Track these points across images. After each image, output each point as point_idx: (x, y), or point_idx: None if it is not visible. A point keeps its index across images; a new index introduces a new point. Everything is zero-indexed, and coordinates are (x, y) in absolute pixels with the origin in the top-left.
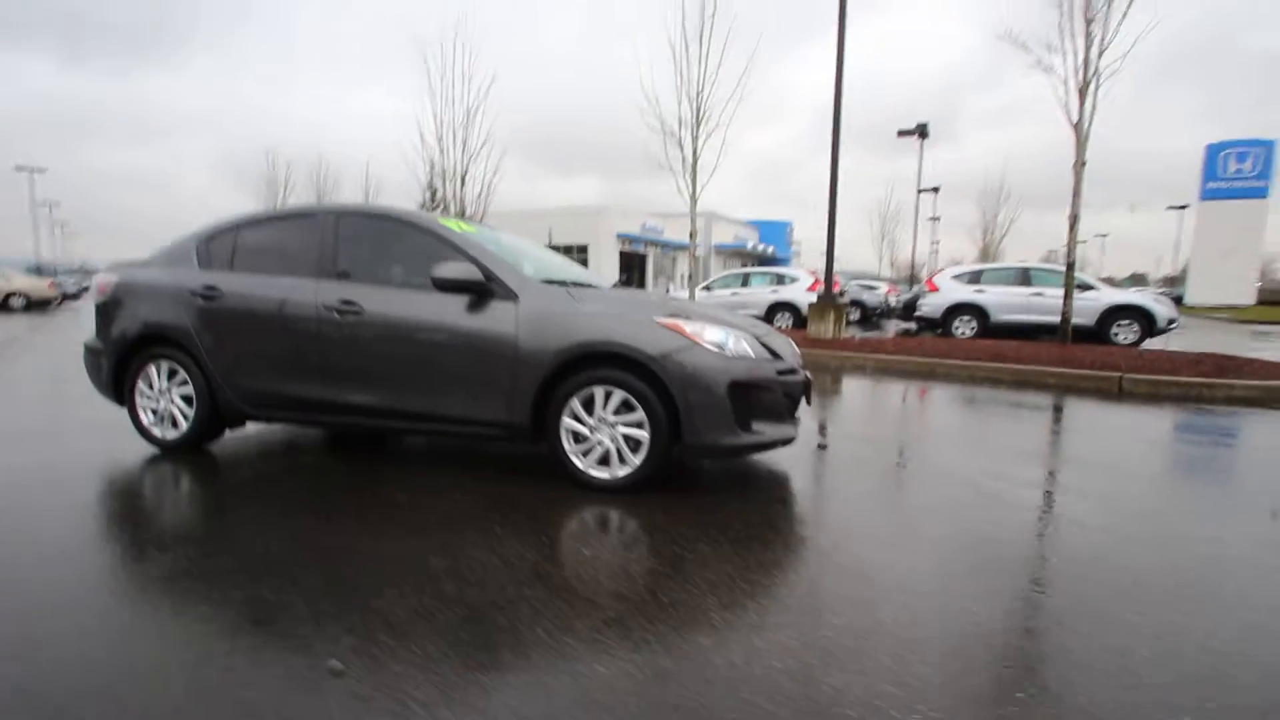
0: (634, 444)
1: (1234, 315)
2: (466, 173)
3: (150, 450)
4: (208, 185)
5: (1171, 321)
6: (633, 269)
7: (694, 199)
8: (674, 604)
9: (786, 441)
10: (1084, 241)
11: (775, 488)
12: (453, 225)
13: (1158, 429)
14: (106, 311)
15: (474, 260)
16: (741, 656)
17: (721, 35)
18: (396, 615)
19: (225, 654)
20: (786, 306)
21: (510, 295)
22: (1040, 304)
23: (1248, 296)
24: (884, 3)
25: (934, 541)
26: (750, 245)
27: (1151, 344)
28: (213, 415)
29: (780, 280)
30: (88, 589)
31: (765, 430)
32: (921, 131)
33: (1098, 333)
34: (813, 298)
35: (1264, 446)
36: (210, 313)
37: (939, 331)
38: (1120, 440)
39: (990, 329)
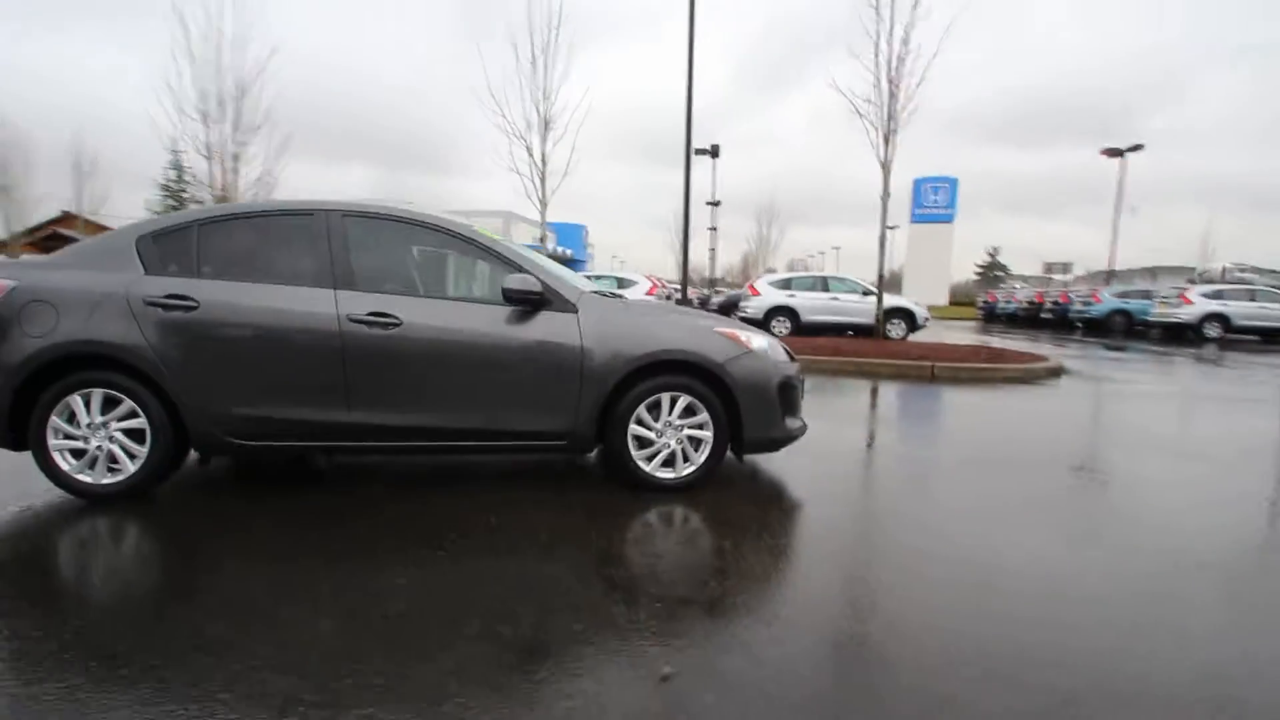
0: (695, 444)
1: (934, 314)
2: (240, 154)
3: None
4: None
5: (926, 319)
6: None
7: (544, 203)
8: (845, 572)
9: (803, 432)
10: (823, 252)
11: (793, 468)
12: (483, 231)
13: (969, 401)
14: None
15: (531, 271)
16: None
17: (565, 50)
18: (646, 620)
19: (550, 681)
20: None
21: (569, 306)
22: (837, 306)
23: (944, 298)
24: (654, 31)
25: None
26: (550, 247)
27: (914, 336)
28: (176, 451)
29: (621, 284)
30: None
31: (794, 424)
32: (714, 152)
33: (876, 329)
34: (653, 300)
35: (1021, 407)
36: (180, 327)
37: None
38: (937, 407)
39: (800, 328)
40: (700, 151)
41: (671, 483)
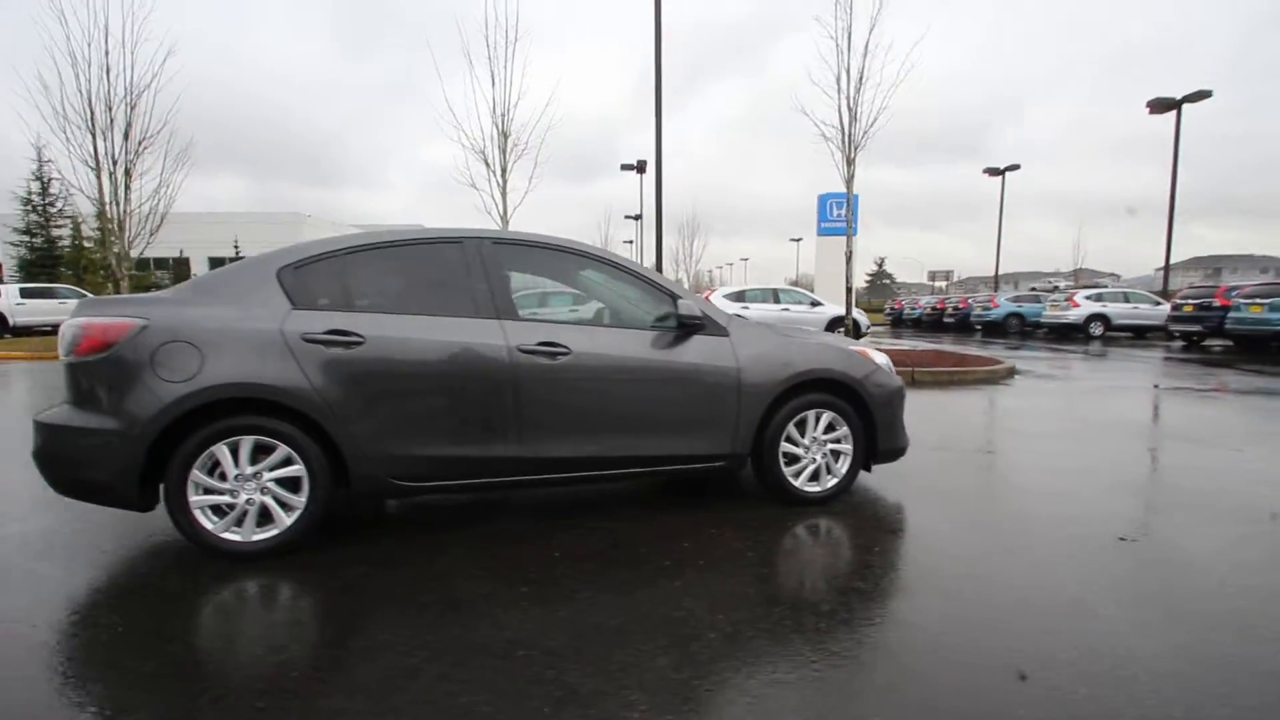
0: (835, 457)
1: None
2: (132, 166)
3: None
4: None
5: (869, 327)
6: None
7: (505, 219)
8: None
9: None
10: (731, 264)
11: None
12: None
13: (953, 400)
14: (122, 370)
15: (685, 295)
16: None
17: (521, 63)
18: (941, 626)
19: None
20: None
21: (721, 330)
22: (788, 317)
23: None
24: (559, 39)
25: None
26: None
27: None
28: (331, 498)
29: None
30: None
31: (906, 433)
32: (640, 167)
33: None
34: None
35: (1020, 403)
36: (344, 364)
37: None
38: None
39: None
40: (627, 167)
41: (816, 496)
